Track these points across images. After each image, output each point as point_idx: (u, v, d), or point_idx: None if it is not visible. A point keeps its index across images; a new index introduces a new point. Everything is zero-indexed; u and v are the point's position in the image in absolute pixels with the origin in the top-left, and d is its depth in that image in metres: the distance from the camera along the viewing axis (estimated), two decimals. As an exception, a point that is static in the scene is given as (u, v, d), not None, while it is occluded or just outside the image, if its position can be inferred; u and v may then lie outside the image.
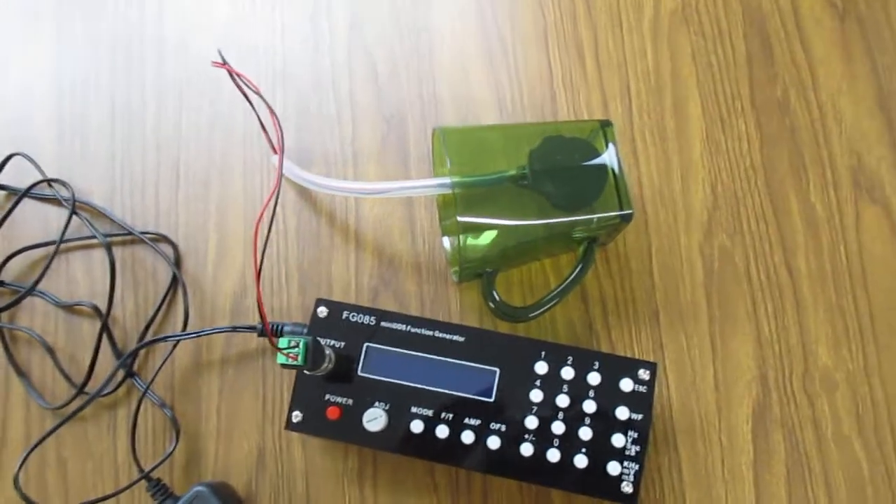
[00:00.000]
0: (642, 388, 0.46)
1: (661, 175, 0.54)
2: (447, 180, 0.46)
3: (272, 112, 0.46)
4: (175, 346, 0.52)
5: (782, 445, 0.49)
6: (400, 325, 0.48)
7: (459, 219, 0.45)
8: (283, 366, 0.42)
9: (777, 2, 0.56)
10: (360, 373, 0.47)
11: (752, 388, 0.50)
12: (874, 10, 0.55)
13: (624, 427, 0.46)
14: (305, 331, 0.49)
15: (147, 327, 0.53)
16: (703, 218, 0.53)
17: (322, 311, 0.49)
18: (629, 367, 0.47)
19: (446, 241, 0.53)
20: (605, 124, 0.49)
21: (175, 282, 0.54)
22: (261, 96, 0.44)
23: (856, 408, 0.49)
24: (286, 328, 0.50)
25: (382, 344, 0.48)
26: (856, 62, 0.55)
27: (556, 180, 0.47)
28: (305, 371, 0.46)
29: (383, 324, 0.48)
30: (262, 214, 0.36)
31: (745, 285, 0.52)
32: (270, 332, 0.51)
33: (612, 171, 0.47)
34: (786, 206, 0.53)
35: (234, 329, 0.52)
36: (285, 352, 0.42)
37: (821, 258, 0.52)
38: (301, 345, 0.42)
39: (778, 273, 0.52)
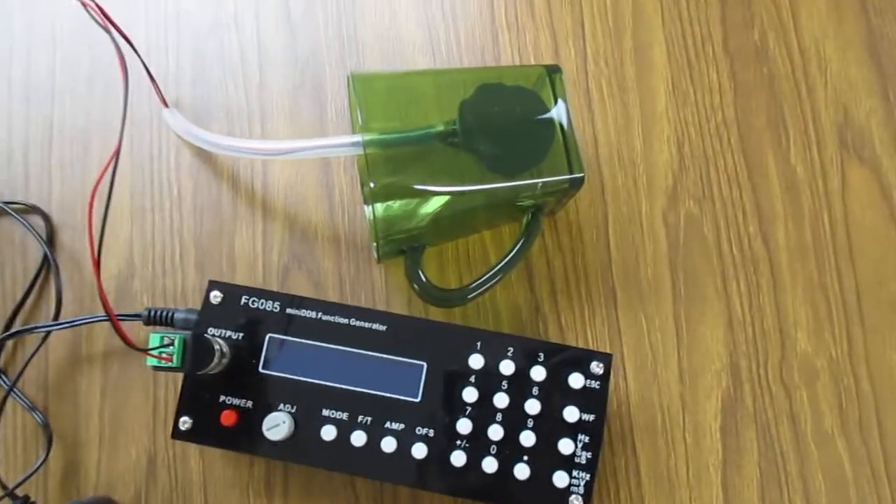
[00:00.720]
0: (595, 385, 0.39)
1: (619, 132, 0.46)
2: (359, 138, 0.38)
3: (118, 52, 0.37)
4: (46, 337, 0.44)
5: (755, 444, 0.43)
6: (309, 311, 0.41)
7: (371, 185, 0.37)
8: (156, 368, 0.35)
9: (755, -71, 0.48)
10: (261, 369, 0.40)
11: (721, 378, 0.44)
12: (865, -62, 0.48)
13: (573, 430, 0.39)
14: (191, 313, 0.41)
15: (14, 316, 0.45)
16: (668, 182, 0.46)
17: (216, 297, 0.41)
18: (580, 359, 0.40)
19: (368, 211, 0.45)
20: (553, 70, 0.41)
21: (47, 261, 0.45)
22: (122, 34, 0.35)
23: (839, 400, 0.43)
24: (177, 315, 0.42)
25: (288, 335, 0.40)
26: (843, 1, 0.48)
27: (493, 138, 0.39)
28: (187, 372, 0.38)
29: (289, 311, 0.41)
30: (99, 180, 0.28)
31: (714, 260, 0.45)
32: (162, 318, 0.43)
33: (561, 126, 0.40)
34: (762, 167, 0.46)
35: (117, 317, 0.43)
36: (156, 352, 0.34)
37: (801, 228, 0.45)
38: (177, 342, 0.34)
39: (752, 245, 0.45)
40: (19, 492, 0.42)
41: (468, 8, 0.48)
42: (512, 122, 0.40)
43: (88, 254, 0.46)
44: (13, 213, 0.46)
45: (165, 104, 0.46)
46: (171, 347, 0.34)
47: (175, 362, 0.34)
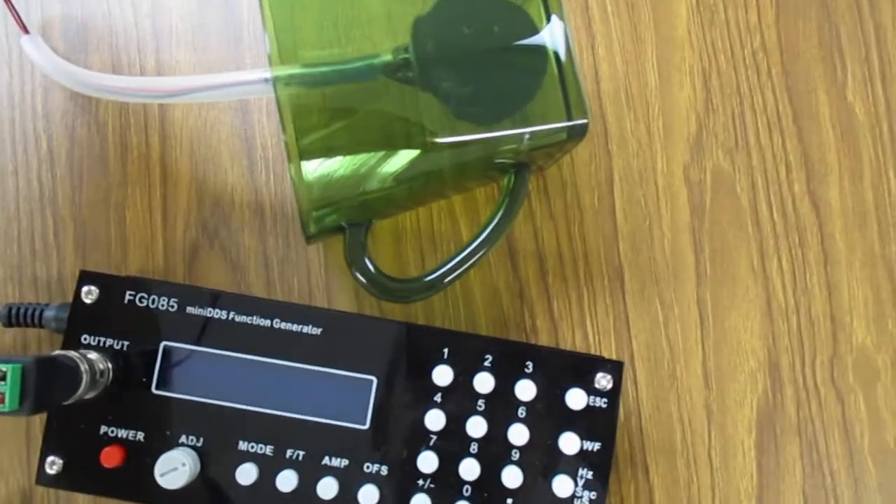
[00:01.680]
0: (601, 403, 0.30)
1: (627, 61, 0.36)
2: (269, 73, 0.27)
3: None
4: None
5: (799, 463, 0.34)
6: (219, 311, 0.31)
7: (286, 140, 0.27)
8: (-12, 412, 0.24)
9: None
10: (155, 389, 0.30)
11: (757, 381, 0.35)
12: None
13: (572, 465, 0.30)
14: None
15: None
16: (691, 127, 0.36)
17: (89, 294, 0.30)
18: (581, 369, 0.30)
19: (292, 173, 0.34)
20: None
21: None
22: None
23: (904, 405, 0.34)
24: (48, 313, 0.32)
25: (190, 342, 0.30)
26: None
27: (461, 71, 0.28)
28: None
29: (191, 310, 0.30)
30: None
31: (750, 228, 0.35)
32: (28, 317, 0.32)
33: (556, 54, 0.29)
34: (812, 107, 0.36)
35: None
36: (-21, 391, 0.24)
37: (860, 187, 0.36)
38: (9, 375, 0.24)
39: (798, 210, 0.36)
40: None
41: None
42: (487, 49, 0.29)
43: (-68, 230, 0.35)
44: None
45: (25, 30, 0.34)
46: (3, 383, 0.24)
47: (9, 404, 0.24)
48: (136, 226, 0.35)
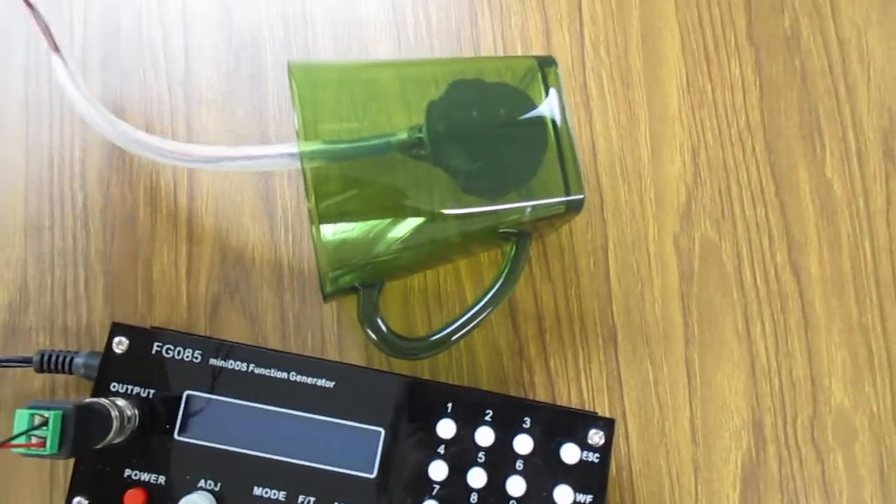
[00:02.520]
0: (593, 458, 0.32)
1: (622, 136, 0.39)
2: (295, 148, 0.29)
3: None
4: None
5: (781, 518, 0.36)
6: (239, 362, 0.33)
7: (310, 207, 0.29)
8: (28, 456, 0.26)
9: None
10: (177, 436, 0.32)
11: (741, 438, 0.36)
12: None
13: (566, 516, 0.31)
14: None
15: None
16: (680, 198, 0.38)
17: (120, 344, 0.32)
18: (575, 425, 0.32)
19: (313, 235, 0.37)
20: (546, 63, 0.33)
21: (-84, 289, 0.37)
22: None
23: (880, 465, 0.36)
24: (77, 360, 0.34)
25: (212, 392, 0.32)
26: (890, -19, 0.40)
27: (469, 149, 0.31)
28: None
29: (214, 361, 0.33)
30: None
31: (735, 294, 0.37)
32: (59, 364, 0.34)
33: (556, 134, 0.32)
34: (793, 183, 0.38)
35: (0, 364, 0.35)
36: (23, 438, 0.26)
37: (838, 257, 0.38)
38: (51, 421, 0.26)
39: (780, 277, 0.38)
40: None
41: (442, -18, 0.40)
42: (493, 129, 0.31)
43: (-29, 280, 0.37)
44: None
45: (56, 49, 0.35)
46: (45, 428, 0.26)
47: (50, 448, 0.26)
48: (162, 279, 0.37)
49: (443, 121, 0.31)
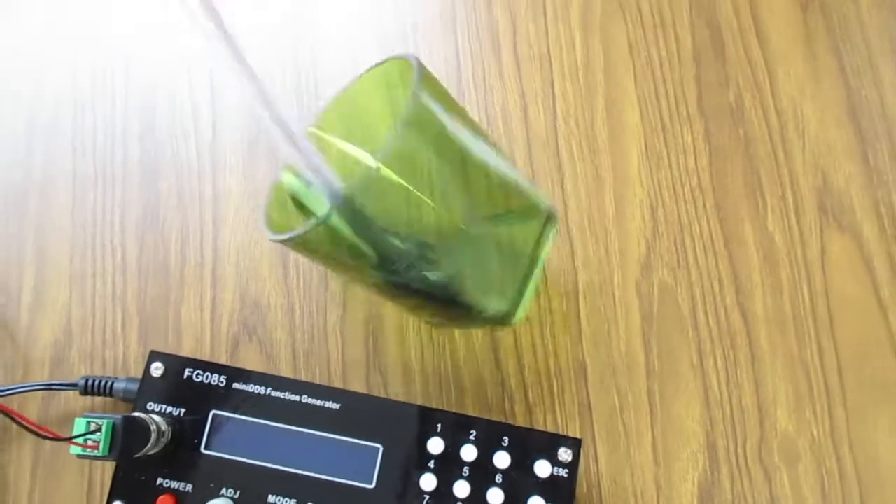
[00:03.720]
0: (562, 473, 0.37)
1: (590, 195, 0.44)
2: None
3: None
4: (-28, 412, 0.40)
5: (734, 531, 0.40)
6: (258, 386, 0.38)
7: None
8: (81, 457, 0.31)
9: (729, -13, 0.47)
10: (203, 449, 0.37)
11: (698, 460, 0.41)
12: (842, -1, 0.47)
13: (539, 523, 0.36)
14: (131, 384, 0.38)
15: (-62, 388, 0.42)
16: (641, 249, 0.43)
17: (157, 369, 0.38)
18: (547, 444, 0.37)
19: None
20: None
21: (-24, 329, 0.42)
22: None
23: (821, 484, 0.41)
24: (117, 385, 0.40)
25: (234, 412, 0.37)
26: (820, 61, 0.46)
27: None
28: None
29: (236, 385, 0.38)
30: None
31: (690, 332, 0.42)
32: (101, 388, 0.39)
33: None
34: (739, 235, 0.44)
35: (48, 387, 0.40)
36: (81, 440, 0.31)
37: (780, 300, 0.43)
38: (104, 428, 0.31)
39: (729, 317, 0.43)
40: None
41: (434, 64, 0.46)
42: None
43: (22, 322, 0.43)
44: (-58, 276, 0.43)
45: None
46: (98, 434, 0.31)
47: (102, 451, 0.31)
48: (189, 321, 0.43)
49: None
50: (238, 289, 0.43)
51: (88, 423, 0.31)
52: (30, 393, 0.41)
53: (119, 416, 0.32)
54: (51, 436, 0.30)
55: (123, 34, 0.47)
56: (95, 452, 0.31)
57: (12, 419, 0.29)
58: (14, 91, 0.46)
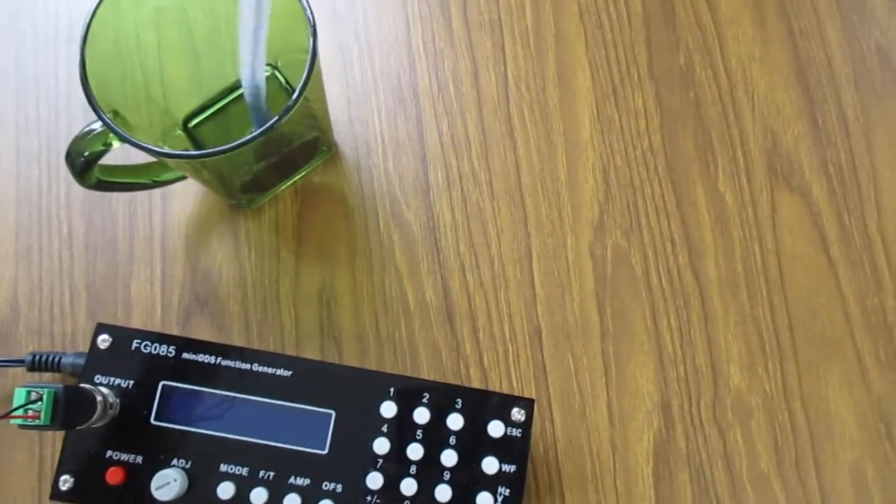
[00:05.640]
0: (516, 433, 0.37)
1: (542, 160, 0.44)
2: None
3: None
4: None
5: (689, 488, 0.41)
6: (207, 356, 0.37)
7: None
8: (23, 427, 0.31)
9: (678, -50, 0.47)
10: (153, 420, 0.36)
11: (652, 419, 0.41)
12: (789, -40, 0.47)
13: (493, 483, 0.36)
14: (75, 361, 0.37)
15: None
16: (594, 212, 0.44)
17: (104, 341, 0.37)
18: (499, 405, 0.37)
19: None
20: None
21: (-81, 307, 0.41)
22: None
23: (774, 438, 0.41)
24: (65, 360, 0.39)
25: (184, 382, 0.37)
26: (768, 24, 0.46)
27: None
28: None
29: (185, 355, 0.37)
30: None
31: (643, 294, 0.43)
32: (49, 363, 0.39)
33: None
34: (691, 196, 0.44)
35: (-4, 365, 0.40)
36: (21, 410, 0.30)
37: (732, 259, 0.43)
38: (45, 397, 0.31)
39: (682, 278, 0.43)
40: None
41: (382, 31, 0.46)
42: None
43: (-32, 299, 0.42)
44: None
45: None
46: (40, 403, 0.31)
47: (43, 420, 0.31)
48: (139, 295, 0.42)
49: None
50: (189, 261, 0.43)
51: (29, 392, 0.31)
52: (-25, 370, 0.40)
53: (61, 386, 0.31)
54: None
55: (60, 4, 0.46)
56: (37, 422, 0.31)
57: None
58: (-46, 65, 0.45)
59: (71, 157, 0.34)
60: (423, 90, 0.45)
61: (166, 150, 0.32)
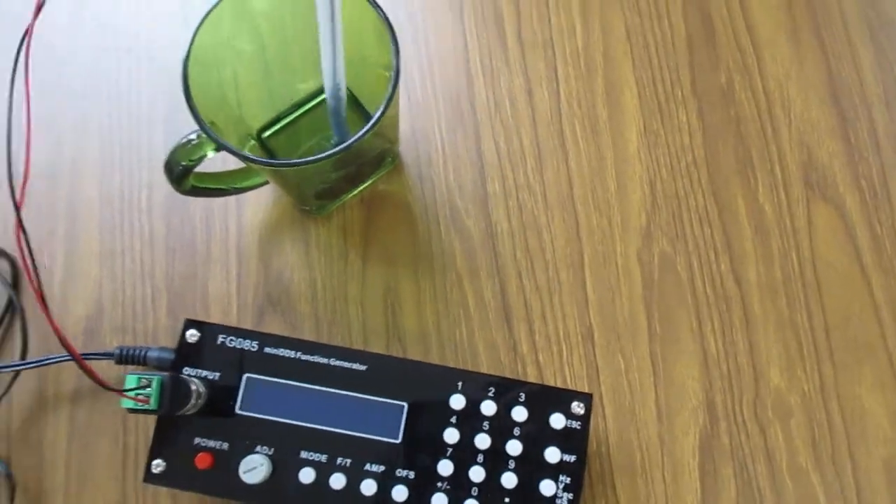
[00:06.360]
0: (575, 425, 0.39)
1: (593, 172, 0.47)
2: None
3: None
4: (13, 380, 0.42)
5: (733, 481, 0.43)
6: (288, 351, 0.40)
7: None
8: (131, 411, 0.34)
9: (718, -23, 0.50)
10: (238, 410, 0.39)
11: (698, 416, 0.44)
12: (823, -12, 0.50)
13: (554, 471, 0.39)
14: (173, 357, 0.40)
15: (-24, 360, 0.44)
16: (642, 221, 0.46)
17: (192, 335, 0.40)
18: (560, 399, 0.40)
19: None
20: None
21: (11, 305, 0.44)
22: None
23: (812, 435, 0.44)
24: (150, 354, 0.41)
25: (267, 374, 0.40)
26: (804, 45, 0.49)
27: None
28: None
29: (267, 350, 0.40)
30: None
31: (689, 298, 0.45)
32: (136, 356, 0.42)
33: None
34: (732, 207, 0.47)
35: (86, 357, 0.42)
36: (133, 394, 0.33)
37: (771, 267, 0.46)
38: (154, 383, 0.33)
39: (724, 284, 0.46)
40: (-20, 547, 0.40)
41: (442, 50, 0.49)
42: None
43: (55, 298, 0.45)
44: (-23, 255, 0.45)
45: None
46: (148, 389, 0.33)
47: (152, 405, 0.33)
48: (216, 294, 0.45)
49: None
50: (262, 263, 0.45)
51: (139, 378, 0.33)
52: (65, 363, 0.43)
53: (166, 374, 0.34)
54: (110, 387, 0.32)
55: (141, 25, 0.49)
56: (146, 406, 0.33)
57: (84, 371, 0.30)
58: (38, 78, 0.48)
59: (170, 166, 0.37)
60: (481, 106, 0.48)
61: (267, 159, 0.35)
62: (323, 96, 0.43)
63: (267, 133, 0.46)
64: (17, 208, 0.28)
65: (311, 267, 0.45)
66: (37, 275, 0.44)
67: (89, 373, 0.30)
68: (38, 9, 0.27)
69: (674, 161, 0.47)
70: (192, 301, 0.45)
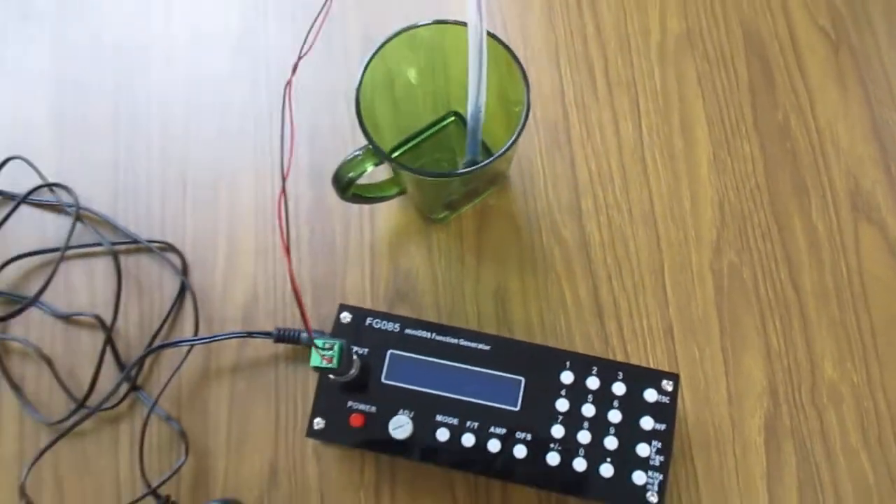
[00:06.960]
0: (665, 399, 0.47)
1: (671, 193, 0.55)
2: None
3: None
4: (188, 353, 0.51)
5: (793, 457, 0.50)
6: (424, 332, 0.48)
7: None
8: (316, 368, 0.41)
9: (775, 30, 0.59)
10: (383, 380, 0.47)
11: (763, 400, 0.51)
12: (865, 41, 0.58)
13: (648, 437, 0.46)
14: (328, 335, 0.48)
15: (153, 339, 0.52)
16: (713, 236, 0.54)
17: (345, 317, 0.48)
18: (653, 377, 0.47)
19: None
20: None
21: (184, 291, 0.52)
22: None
23: (861, 420, 0.51)
24: (303, 335, 0.49)
25: (406, 351, 0.47)
26: (850, 91, 0.58)
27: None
28: (331, 376, 0.45)
29: (407, 331, 0.48)
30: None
31: (753, 302, 0.53)
32: (291, 336, 0.50)
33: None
34: (790, 225, 0.55)
35: (250, 335, 0.50)
36: (321, 353, 0.41)
37: (823, 276, 0.54)
38: (336, 347, 0.41)
39: (784, 290, 0.53)
40: (161, 492, 0.48)
41: (542, 88, 0.57)
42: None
43: (217, 287, 0.53)
44: (155, 249, 0.53)
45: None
46: (331, 351, 0.41)
47: (335, 364, 0.41)
48: (352, 289, 0.53)
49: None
50: (392, 263, 0.53)
51: (325, 342, 0.41)
52: (227, 341, 0.51)
53: (344, 340, 0.42)
54: (311, 340, 0.39)
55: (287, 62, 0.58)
56: (330, 365, 0.41)
57: (301, 313, 0.37)
58: (205, 104, 0.57)
59: (338, 177, 0.45)
60: (575, 135, 0.56)
61: (435, 171, 0.43)
62: (440, 125, 0.52)
63: (395, 154, 0.54)
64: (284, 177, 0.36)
65: (433, 266, 0.53)
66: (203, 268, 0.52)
67: (306, 323, 0.37)
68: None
69: (739, 185, 0.55)
70: (333, 294, 0.53)
